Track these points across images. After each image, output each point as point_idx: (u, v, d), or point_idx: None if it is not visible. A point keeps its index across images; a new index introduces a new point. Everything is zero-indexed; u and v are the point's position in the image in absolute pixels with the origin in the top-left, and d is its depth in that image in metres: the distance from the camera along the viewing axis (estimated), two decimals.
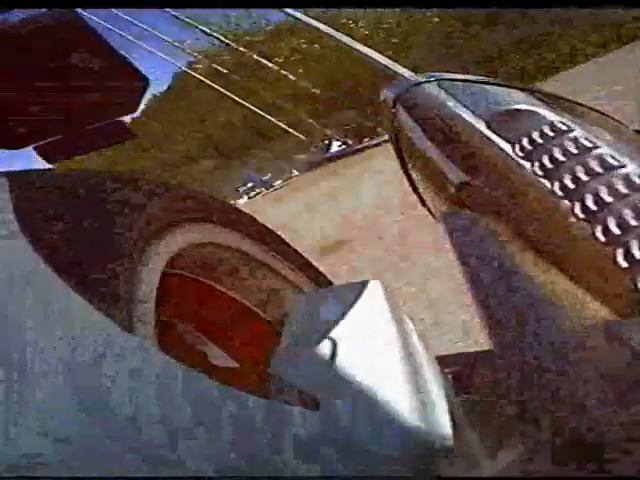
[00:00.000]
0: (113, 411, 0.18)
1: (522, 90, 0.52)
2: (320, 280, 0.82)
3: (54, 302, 0.25)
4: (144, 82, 0.57)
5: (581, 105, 0.49)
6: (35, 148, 0.61)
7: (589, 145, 0.36)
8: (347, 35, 3.38)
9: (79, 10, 0.52)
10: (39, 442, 0.17)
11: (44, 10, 0.47)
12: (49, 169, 0.60)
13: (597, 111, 0.50)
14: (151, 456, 0.17)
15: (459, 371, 0.68)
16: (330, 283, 0.83)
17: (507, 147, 0.40)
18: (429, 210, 0.64)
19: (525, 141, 0.38)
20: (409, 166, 0.62)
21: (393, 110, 0.58)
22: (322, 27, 3.42)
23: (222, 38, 13.53)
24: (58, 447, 0.18)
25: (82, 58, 0.51)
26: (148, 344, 0.38)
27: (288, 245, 0.81)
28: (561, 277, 0.31)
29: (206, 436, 0.19)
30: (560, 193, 0.33)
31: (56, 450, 0.17)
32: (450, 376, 0.42)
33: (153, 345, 0.41)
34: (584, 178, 0.32)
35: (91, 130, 0.61)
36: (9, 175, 0.43)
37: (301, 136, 13.63)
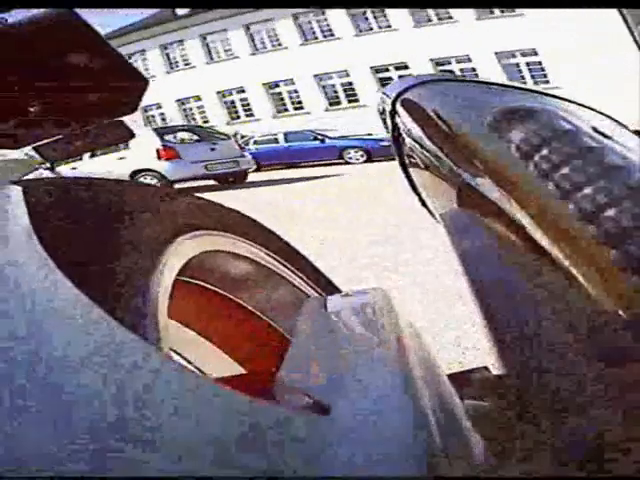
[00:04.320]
0: (113, 412, 0.18)
1: (522, 90, 0.52)
2: (330, 289, 0.82)
3: (75, 313, 0.25)
4: (144, 82, 0.57)
5: (581, 105, 0.49)
6: (35, 148, 0.61)
7: (589, 145, 0.36)
8: None
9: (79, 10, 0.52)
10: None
11: (44, 10, 0.47)
12: (61, 177, 0.60)
13: (597, 111, 0.50)
14: (147, 455, 0.17)
15: (457, 371, 0.68)
16: (339, 292, 0.83)
17: (507, 147, 0.40)
18: (429, 211, 0.64)
19: (525, 141, 0.38)
20: (409, 167, 0.62)
21: (393, 110, 0.58)
22: None
23: None
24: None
25: (82, 58, 0.51)
26: (160, 350, 0.38)
27: (299, 253, 0.81)
28: (561, 277, 0.31)
29: (209, 438, 0.19)
30: (560, 194, 0.33)
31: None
32: (449, 376, 0.42)
33: (165, 351, 0.41)
34: (584, 179, 0.32)
35: (91, 130, 0.61)
36: (22, 183, 0.43)
37: None
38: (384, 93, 0.62)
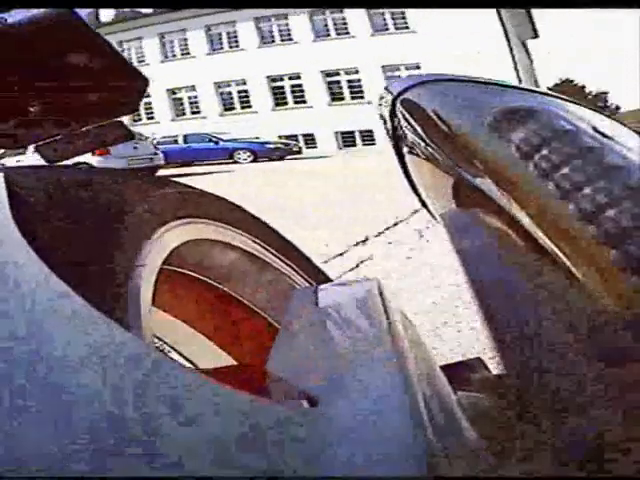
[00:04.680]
0: (109, 410, 0.18)
1: (522, 90, 0.52)
2: (321, 279, 0.82)
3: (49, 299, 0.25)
4: (144, 82, 0.57)
5: (581, 105, 0.49)
6: (35, 148, 0.61)
7: (589, 145, 0.36)
8: None
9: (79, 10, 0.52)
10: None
11: (44, 10, 0.47)
12: (41, 165, 0.60)
13: (597, 111, 0.50)
14: (147, 455, 0.17)
15: (456, 369, 0.68)
16: (330, 281, 0.83)
17: (507, 147, 0.40)
18: (429, 210, 0.64)
19: (525, 141, 0.38)
20: (408, 166, 0.62)
21: (392, 110, 0.58)
22: None
23: None
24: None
25: (82, 58, 0.51)
26: (144, 342, 0.38)
27: (287, 242, 0.80)
28: (561, 277, 0.31)
29: (209, 438, 0.19)
30: (560, 194, 0.33)
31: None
32: (447, 374, 0.42)
33: (150, 342, 0.41)
34: (584, 179, 0.32)
35: (91, 130, 0.61)
36: (3, 171, 0.43)
37: None
38: (386, 88, 0.62)
